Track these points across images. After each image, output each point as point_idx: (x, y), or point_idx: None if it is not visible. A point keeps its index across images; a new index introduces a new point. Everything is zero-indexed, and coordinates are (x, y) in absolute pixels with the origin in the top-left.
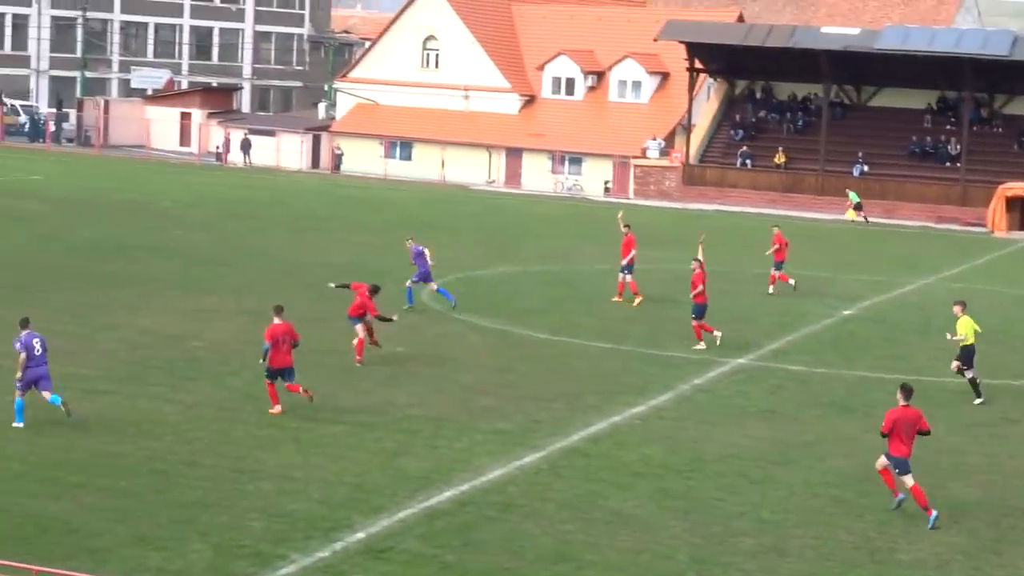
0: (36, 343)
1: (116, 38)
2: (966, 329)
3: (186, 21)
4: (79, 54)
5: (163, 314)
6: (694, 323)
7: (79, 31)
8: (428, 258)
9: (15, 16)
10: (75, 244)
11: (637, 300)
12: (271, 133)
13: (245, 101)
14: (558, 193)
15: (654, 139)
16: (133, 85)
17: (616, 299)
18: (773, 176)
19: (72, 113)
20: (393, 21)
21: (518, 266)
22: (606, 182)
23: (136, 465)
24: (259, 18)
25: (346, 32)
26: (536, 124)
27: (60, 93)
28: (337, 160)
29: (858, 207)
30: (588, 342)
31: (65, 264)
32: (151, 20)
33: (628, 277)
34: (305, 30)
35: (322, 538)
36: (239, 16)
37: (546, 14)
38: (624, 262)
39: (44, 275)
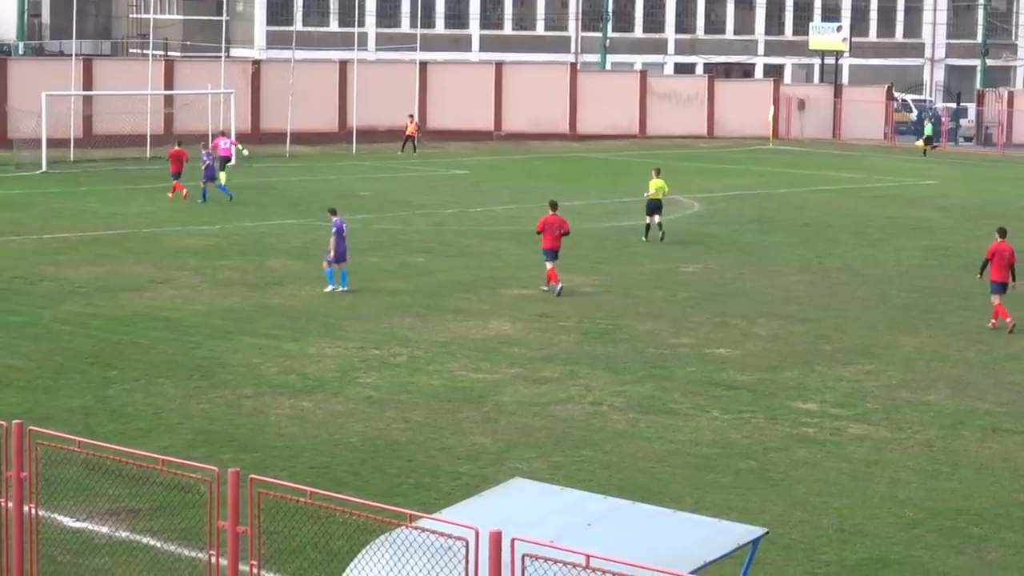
0: (344, 227)
1: (1022, 20)
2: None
3: None
4: (979, 40)
5: None
6: None
7: (980, 13)
8: None
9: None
10: (973, 259)
11: None
12: None
13: None
14: None
15: None
16: None
17: None
18: None
19: (970, 108)
20: None
21: None
22: None
23: None
24: None
25: None
26: None
27: (957, 85)
28: None
29: None
30: None
31: (962, 282)
32: None
33: None
34: None
35: None
36: None
37: None
38: None
39: (939, 294)
